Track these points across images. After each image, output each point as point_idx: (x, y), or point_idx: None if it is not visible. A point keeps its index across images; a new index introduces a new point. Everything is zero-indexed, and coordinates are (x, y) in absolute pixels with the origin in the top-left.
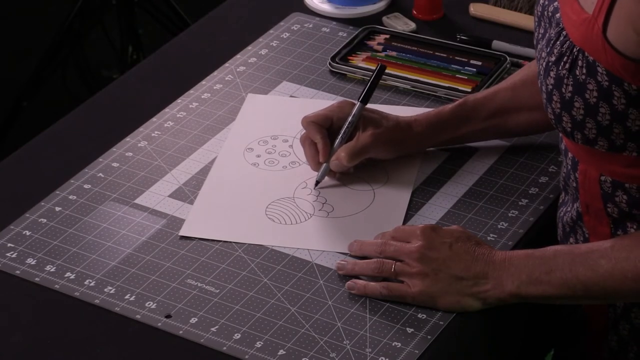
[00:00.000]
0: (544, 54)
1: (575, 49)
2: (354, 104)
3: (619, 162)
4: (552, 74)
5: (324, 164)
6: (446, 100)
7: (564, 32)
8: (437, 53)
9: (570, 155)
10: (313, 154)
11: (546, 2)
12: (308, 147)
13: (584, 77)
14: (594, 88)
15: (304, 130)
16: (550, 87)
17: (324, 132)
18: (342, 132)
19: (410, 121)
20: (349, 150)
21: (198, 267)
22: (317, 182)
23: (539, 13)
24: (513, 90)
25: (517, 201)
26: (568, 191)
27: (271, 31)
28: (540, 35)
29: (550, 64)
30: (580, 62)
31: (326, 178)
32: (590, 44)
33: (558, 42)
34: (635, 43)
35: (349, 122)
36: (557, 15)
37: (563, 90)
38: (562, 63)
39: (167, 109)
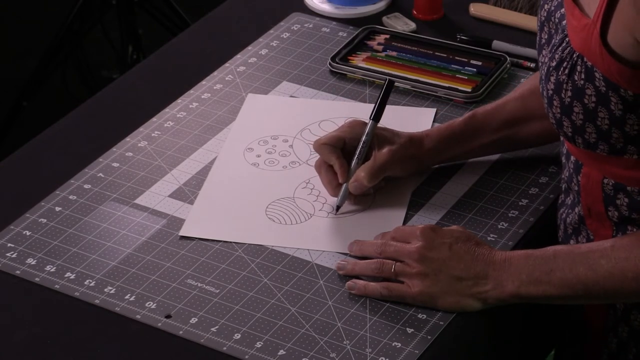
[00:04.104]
0: (546, 59)
1: (575, 55)
2: (365, 123)
3: (620, 165)
4: (552, 79)
5: (344, 186)
6: (446, 101)
7: (566, 39)
8: (437, 53)
9: (572, 158)
10: (330, 179)
11: (552, 8)
12: (324, 172)
13: (582, 82)
14: (592, 93)
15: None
16: (550, 92)
17: (338, 152)
18: (358, 152)
19: (422, 136)
20: (368, 170)
21: (198, 267)
22: (338, 207)
23: (543, 18)
24: (522, 100)
25: (517, 201)
26: (570, 194)
27: (271, 31)
28: (544, 41)
29: (550, 69)
30: (579, 68)
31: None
32: (589, 49)
33: (560, 48)
34: (631, 46)
35: (364, 142)
36: (564, 22)
37: (562, 95)
38: (561, 68)
39: (167, 109)
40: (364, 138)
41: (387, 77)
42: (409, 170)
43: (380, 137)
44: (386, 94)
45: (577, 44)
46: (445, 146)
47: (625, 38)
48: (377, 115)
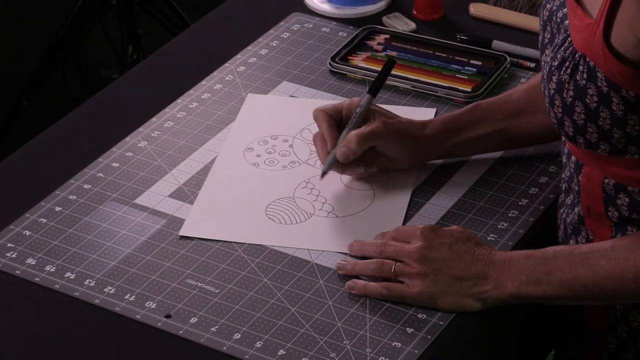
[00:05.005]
0: (548, 59)
1: (577, 55)
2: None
3: (621, 165)
4: (554, 78)
5: (332, 153)
6: (446, 101)
7: (569, 39)
8: (437, 53)
9: (573, 158)
10: (324, 148)
11: (554, 8)
12: (320, 142)
13: (584, 82)
14: (594, 93)
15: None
16: (552, 91)
17: (331, 120)
18: (350, 122)
19: (425, 122)
20: (359, 133)
21: (198, 267)
22: (324, 173)
23: (545, 17)
24: (528, 92)
25: (517, 201)
26: (570, 194)
27: (271, 31)
28: (546, 41)
29: (552, 68)
30: (581, 67)
31: (330, 174)
32: (592, 49)
33: (562, 48)
34: (634, 46)
35: (357, 113)
36: (566, 22)
37: (564, 95)
38: (563, 68)
39: (167, 109)
40: (357, 110)
41: (389, 57)
42: (409, 153)
43: (378, 112)
44: (386, 71)
45: (580, 43)
46: (447, 133)
47: (628, 38)
48: (373, 89)
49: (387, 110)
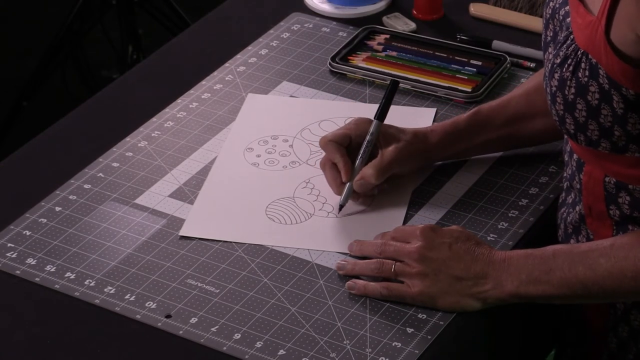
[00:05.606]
0: (550, 56)
1: (579, 52)
2: (370, 122)
3: (622, 163)
4: (556, 75)
5: (347, 185)
6: (446, 101)
7: (571, 36)
8: (437, 53)
9: (575, 156)
10: (335, 176)
11: (557, 6)
12: (329, 170)
13: (586, 79)
14: (595, 90)
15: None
16: (554, 88)
17: (343, 151)
18: (362, 150)
19: (427, 132)
20: (376, 167)
21: (198, 267)
22: (342, 206)
23: (548, 15)
24: (527, 96)
25: (517, 201)
26: (571, 192)
27: (271, 31)
28: (549, 39)
29: (555, 65)
30: (583, 65)
31: (349, 203)
32: (594, 46)
33: (564, 45)
34: (634, 43)
35: (368, 141)
36: (568, 19)
37: (566, 92)
38: (566, 65)
39: (167, 109)
40: (368, 137)
41: (392, 78)
42: (415, 165)
43: (385, 134)
44: (391, 94)
45: (582, 41)
46: (449, 141)
47: (627, 35)
48: (381, 115)
49: (392, 129)
